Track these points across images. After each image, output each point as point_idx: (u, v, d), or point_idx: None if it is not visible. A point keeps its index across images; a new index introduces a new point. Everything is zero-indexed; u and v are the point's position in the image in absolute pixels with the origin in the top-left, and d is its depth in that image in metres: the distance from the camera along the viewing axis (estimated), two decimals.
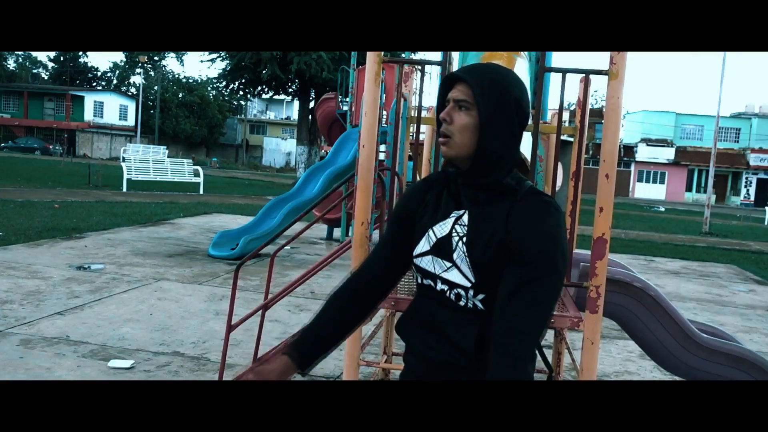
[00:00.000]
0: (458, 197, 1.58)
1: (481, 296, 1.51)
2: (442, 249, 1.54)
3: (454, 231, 1.54)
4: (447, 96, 1.56)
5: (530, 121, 3.49)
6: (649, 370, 5.41)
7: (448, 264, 1.53)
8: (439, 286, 1.56)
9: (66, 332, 5.28)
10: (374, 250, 1.74)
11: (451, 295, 1.54)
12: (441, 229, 1.56)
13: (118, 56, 66.02)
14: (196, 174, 21.40)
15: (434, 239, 1.56)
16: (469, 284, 1.51)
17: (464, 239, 1.51)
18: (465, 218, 1.54)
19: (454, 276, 1.53)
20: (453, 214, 1.56)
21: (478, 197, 1.55)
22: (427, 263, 1.57)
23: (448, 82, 1.56)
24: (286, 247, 6.98)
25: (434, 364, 1.57)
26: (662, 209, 34.16)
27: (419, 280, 1.63)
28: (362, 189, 2.73)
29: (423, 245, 1.59)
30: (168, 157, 30.73)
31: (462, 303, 1.53)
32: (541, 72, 2.88)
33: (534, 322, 1.44)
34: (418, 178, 3.68)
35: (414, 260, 1.62)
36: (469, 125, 1.51)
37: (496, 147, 1.51)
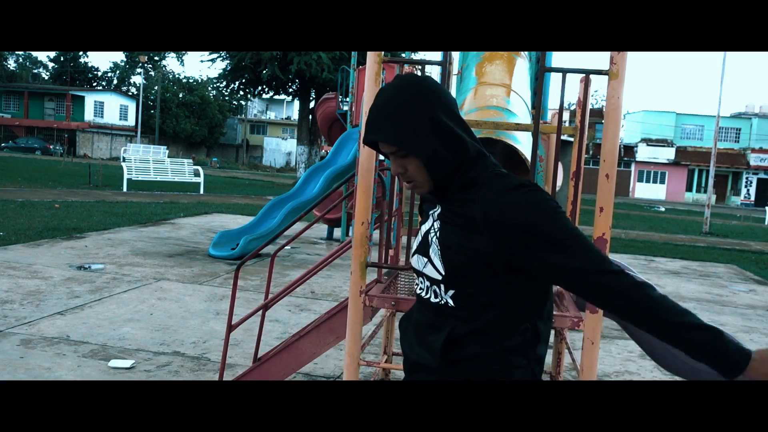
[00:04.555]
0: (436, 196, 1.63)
1: (451, 292, 1.52)
2: (424, 246, 1.58)
3: (432, 228, 1.58)
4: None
5: (530, 121, 3.50)
6: (649, 370, 5.41)
7: (425, 260, 1.57)
8: (423, 283, 1.60)
9: (66, 332, 5.28)
10: None
11: (431, 293, 1.57)
12: (425, 227, 1.61)
13: (119, 56, 66.14)
14: (197, 174, 21.40)
15: (420, 238, 1.62)
16: (440, 277, 1.53)
17: (438, 234, 1.55)
18: (437, 214, 1.59)
19: (430, 271, 1.55)
20: (432, 211, 1.61)
21: (448, 193, 1.58)
22: (416, 261, 1.62)
23: (370, 144, 1.57)
24: (286, 247, 6.98)
25: (409, 364, 1.61)
26: (662, 209, 34.14)
27: (415, 278, 1.69)
28: (362, 189, 2.73)
29: (415, 245, 1.65)
30: (168, 157, 30.73)
31: (437, 300, 1.56)
32: (541, 72, 2.87)
33: (598, 272, 1.40)
34: None
35: (410, 259, 1.68)
36: (419, 166, 1.51)
37: (448, 165, 1.51)
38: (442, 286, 1.53)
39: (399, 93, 1.49)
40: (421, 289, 1.62)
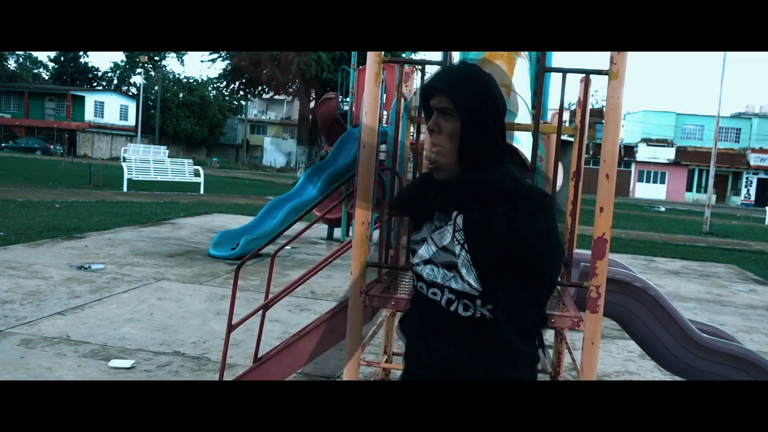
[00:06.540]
0: (452, 202, 1.55)
1: (489, 306, 1.49)
2: (445, 258, 1.51)
3: (455, 239, 1.50)
4: (429, 104, 1.57)
5: (530, 121, 3.50)
6: (649, 370, 5.41)
7: (451, 273, 1.50)
8: (446, 295, 1.53)
9: (66, 332, 5.28)
10: None
11: (459, 305, 1.51)
12: (440, 236, 1.53)
13: (119, 56, 66.09)
14: (197, 174, 21.39)
15: (434, 248, 1.53)
16: (476, 293, 1.49)
17: (466, 247, 1.48)
18: (460, 223, 1.51)
19: (459, 285, 1.50)
20: (450, 220, 1.53)
21: (473, 200, 1.51)
22: (429, 272, 1.55)
23: (427, 91, 1.58)
24: (286, 247, 6.98)
25: (439, 371, 1.54)
26: (662, 209, 34.14)
27: (422, 289, 1.58)
28: (362, 189, 2.73)
29: (423, 253, 1.56)
30: (168, 157, 30.71)
31: (470, 313, 1.51)
32: (541, 72, 2.88)
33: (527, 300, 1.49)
34: None
35: (414, 268, 1.59)
36: (455, 131, 1.52)
37: (477, 147, 1.52)
38: (479, 301, 1.49)
39: (480, 71, 1.57)
40: (434, 295, 1.54)
